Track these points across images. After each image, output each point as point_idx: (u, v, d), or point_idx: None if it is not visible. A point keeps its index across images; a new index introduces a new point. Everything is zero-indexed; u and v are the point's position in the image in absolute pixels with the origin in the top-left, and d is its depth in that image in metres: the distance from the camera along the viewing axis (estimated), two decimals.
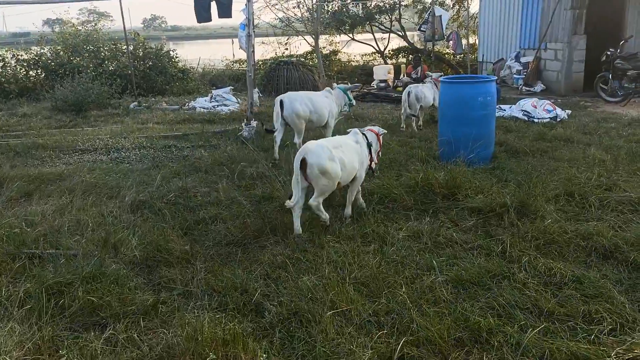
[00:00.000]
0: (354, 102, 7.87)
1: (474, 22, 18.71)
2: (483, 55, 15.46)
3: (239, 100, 11.86)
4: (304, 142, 5.38)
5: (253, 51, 8.14)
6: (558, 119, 8.52)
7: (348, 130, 5.15)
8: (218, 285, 3.66)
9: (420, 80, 11.61)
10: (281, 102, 6.93)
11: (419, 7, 20.41)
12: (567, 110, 9.02)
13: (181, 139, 8.49)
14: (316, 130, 7.70)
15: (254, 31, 10.75)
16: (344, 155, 4.52)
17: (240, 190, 5.66)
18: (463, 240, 4.30)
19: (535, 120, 8.52)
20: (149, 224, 4.77)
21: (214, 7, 8.23)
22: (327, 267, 3.82)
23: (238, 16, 11.37)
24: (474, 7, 18.78)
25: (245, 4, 7.82)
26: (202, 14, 8.29)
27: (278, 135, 7.06)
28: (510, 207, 4.68)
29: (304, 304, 3.31)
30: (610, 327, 3.04)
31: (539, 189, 5.10)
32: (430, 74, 10.56)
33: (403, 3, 20.02)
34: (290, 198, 4.40)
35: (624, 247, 3.97)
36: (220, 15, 8.30)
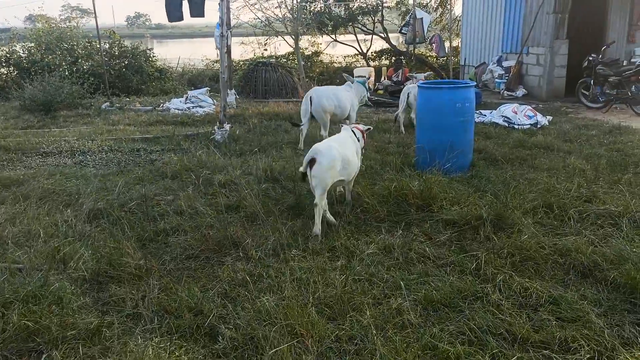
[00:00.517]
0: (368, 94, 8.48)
1: (457, 25, 18.61)
2: (465, 59, 15.33)
3: (215, 101, 11.55)
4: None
5: (227, 52, 7.85)
6: (539, 126, 8.36)
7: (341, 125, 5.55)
8: (171, 306, 3.38)
9: (401, 83, 11.44)
10: (310, 98, 7.47)
11: (402, 9, 20.26)
12: (547, 117, 8.88)
13: (151, 142, 8.17)
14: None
15: (230, 31, 10.48)
16: (348, 152, 4.84)
17: (205, 199, 5.37)
18: (436, 255, 4.07)
19: (516, 126, 8.35)
20: (104, 235, 4.48)
21: (185, 5, 7.92)
22: (290, 286, 3.57)
23: (214, 15, 11.06)
24: (458, 10, 18.67)
25: (219, 3, 7.52)
26: (174, 13, 7.98)
27: (304, 128, 7.60)
28: (487, 220, 4.47)
29: (261, 329, 3.05)
30: (587, 355, 2.83)
31: (516, 201, 4.91)
32: (414, 75, 10.39)
33: (386, 5, 19.85)
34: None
35: (603, 264, 3.77)
36: (193, 14, 8.00)
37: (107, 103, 11.62)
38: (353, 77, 8.72)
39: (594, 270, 3.75)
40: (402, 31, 13.37)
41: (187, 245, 4.31)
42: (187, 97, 11.38)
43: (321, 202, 4.50)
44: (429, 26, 13.60)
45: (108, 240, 4.35)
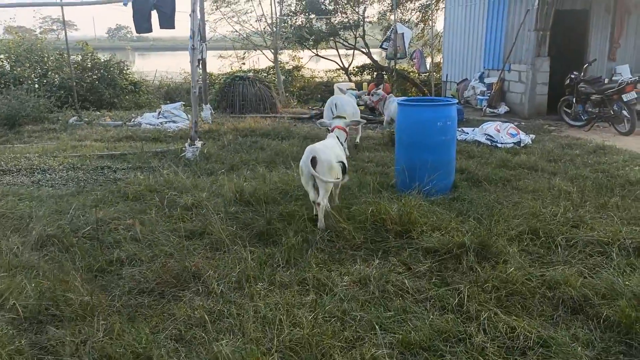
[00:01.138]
0: None
1: (438, 41, 18.54)
2: (447, 75, 15.19)
3: (189, 116, 11.14)
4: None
5: (200, 65, 7.49)
6: (522, 144, 8.13)
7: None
8: (115, 352, 2.98)
9: (375, 102, 11.19)
10: (335, 104, 8.22)
11: (384, 24, 20.15)
12: (530, 135, 8.66)
13: (117, 160, 7.75)
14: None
15: (205, 44, 10.12)
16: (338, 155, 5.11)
17: (169, 223, 4.98)
18: (415, 288, 3.73)
19: (499, 145, 8.11)
20: (52, 266, 4.06)
21: (155, 16, 7.56)
22: (252, 327, 3.20)
23: (183, 27, 10.71)
24: (439, 26, 18.61)
25: (190, 14, 7.18)
26: (142, 24, 7.61)
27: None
28: (469, 249, 4.16)
29: None
30: None
31: (501, 227, 4.61)
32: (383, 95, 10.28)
33: (367, 20, 19.73)
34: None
35: (594, 299, 3.47)
36: (162, 26, 7.64)
37: (75, 117, 11.15)
38: (334, 92, 8.83)
39: (585, 306, 3.45)
40: (383, 46, 13.18)
41: (142, 277, 3.91)
42: (160, 111, 10.96)
43: (324, 201, 4.72)
44: (410, 41, 13.42)
45: (57, 270, 3.94)
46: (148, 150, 8.07)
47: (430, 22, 17.85)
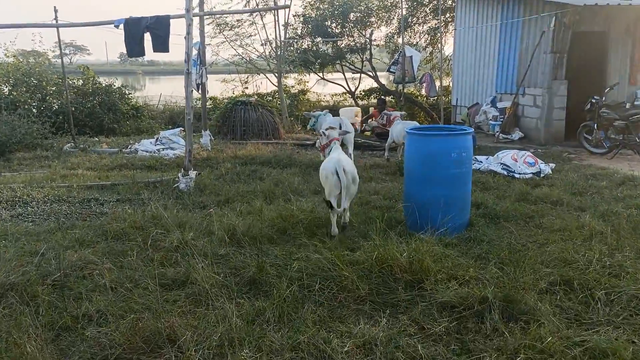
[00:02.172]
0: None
1: (447, 65, 18.09)
2: (457, 99, 14.66)
3: None
4: None
5: (198, 90, 7.02)
6: (542, 175, 7.53)
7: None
8: None
9: (386, 125, 10.70)
10: (340, 124, 8.07)
11: (391, 47, 19.77)
12: (550, 164, 8.05)
13: (107, 191, 7.23)
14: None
15: (205, 68, 9.70)
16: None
17: (150, 268, 4.40)
18: (431, 356, 3.12)
19: (516, 175, 7.52)
20: (9, 322, 3.50)
21: (148, 39, 7.12)
22: None
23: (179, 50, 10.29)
24: (448, 49, 18.19)
25: (185, 37, 6.73)
26: (134, 48, 7.17)
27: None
28: (493, 304, 3.55)
29: None
30: None
31: (528, 276, 3.99)
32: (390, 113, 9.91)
33: (374, 43, 19.35)
34: (331, 207, 5.13)
35: None
36: (156, 49, 7.19)
37: (71, 144, 10.70)
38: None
39: None
40: (391, 70, 12.72)
41: (108, 340, 3.33)
42: (157, 138, 10.49)
43: (347, 205, 5.27)
44: (419, 65, 12.94)
45: (11, 329, 3.38)
46: (140, 181, 7.55)
47: (439, 45, 17.41)
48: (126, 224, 5.45)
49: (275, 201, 6.49)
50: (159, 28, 7.01)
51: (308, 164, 8.94)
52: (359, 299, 3.86)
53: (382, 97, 12.58)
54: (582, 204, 6.13)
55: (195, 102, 16.02)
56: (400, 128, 9.13)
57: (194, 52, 10.01)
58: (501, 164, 7.76)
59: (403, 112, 10.27)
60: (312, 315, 3.61)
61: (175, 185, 7.07)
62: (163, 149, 10.05)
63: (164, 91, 20.44)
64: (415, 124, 8.50)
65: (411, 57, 12.08)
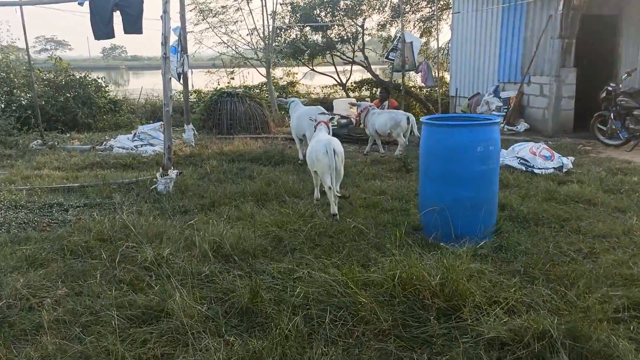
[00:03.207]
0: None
1: (442, 54, 17.30)
2: (457, 90, 13.87)
3: None
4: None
5: (171, 78, 6.14)
6: (564, 170, 6.77)
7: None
8: None
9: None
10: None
11: (383, 35, 18.91)
12: (570, 157, 7.29)
13: (75, 194, 6.33)
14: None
15: (187, 55, 8.81)
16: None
17: (117, 293, 3.55)
18: None
19: (536, 170, 6.75)
20: None
21: (118, 20, 6.21)
22: None
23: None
24: (443, 38, 17.39)
25: (161, 16, 5.84)
26: (101, 29, 6.25)
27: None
28: (556, 341, 2.76)
29: None
30: None
31: (590, 299, 3.20)
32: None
33: (367, 32, 18.49)
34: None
35: None
36: (127, 30, 6.28)
37: (38, 141, 9.72)
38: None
39: None
40: (389, 57, 11.85)
41: None
42: (135, 133, 9.55)
43: (337, 187, 5.17)
44: (418, 51, 12.12)
45: None
46: (112, 182, 6.65)
47: (435, 33, 16.61)
48: (91, 235, 4.58)
49: (268, 204, 5.66)
50: (130, 5, 6.10)
51: (302, 160, 8.10)
52: (380, 333, 3.05)
53: (386, 87, 11.70)
54: (620, 203, 5.36)
55: (179, 95, 15.22)
56: (386, 118, 8.45)
57: (174, 37, 9.11)
58: (518, 158, 6.98)
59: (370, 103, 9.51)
60: (323, 358, 2.79)
61: (153, 187, 6.19)
62: (141, 145, 9.12)
63: (148, 86, 19.41)
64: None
65: (411, 43, 11.22)
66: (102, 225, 4.76)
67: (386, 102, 10.23)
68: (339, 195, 5.11)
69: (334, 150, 5.06)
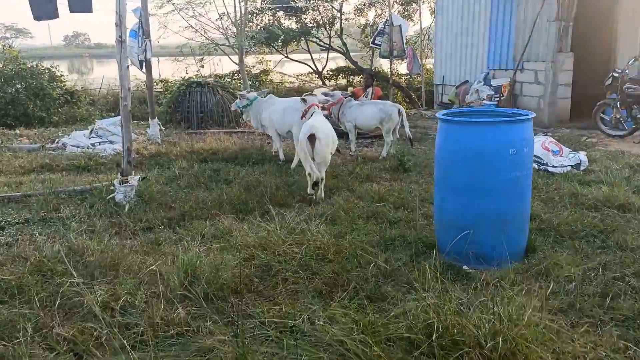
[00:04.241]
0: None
1: (423, 39, 16.50)
2: (444, 77, 13.07)
3: (133, 135, 8.70)
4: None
5: (129, 66, 5.15)
6: (582, 167, 6.05)
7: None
8: None
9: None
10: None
11: (361, 20, 18.01)
12: (581, 152, 6.58)
13: (15, 206, 5.30)
14: None
15: (149, 40, 7.79)
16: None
17: (54, 356, 2.62)
18: None
19: (550, 168, 6.01)
20: None
21: None
22: None
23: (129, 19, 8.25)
24: (424, 23, 16.56)
25: None
26: (41, 7, 5.17)
27: None
28: None
29: None
30: None
31: None
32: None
33: (345, 17, 17.54)
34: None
35: None
36: (73, 9, 5.23)
37: None
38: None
39: None
40: (376, 42, 10.96)
41: None
42: (93, 129, 8.44)
43: (323, 174, 5.15)
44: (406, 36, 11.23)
45: None
46: (62, 189, 5.63)
47: (415, 17, 15.82)
48: (27, 267, 3.60)
49: (249, 216, 4.76)
50: None
51: (286, 158, 7.19)
52: None
53: (371, 72, 10.73)
54: None
55: (143, 85, 14.03)
56: (373, 110, 7.39)
57: (135, 20, 8.05)
58: None
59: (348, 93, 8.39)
60: None
61: (110, 196, 5.21)
62: (99, 143, 8.04)
63: (112, 74, 18.13)
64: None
65: (400, 26, 10.35)
66: (41, 252, 3.79)
67: (370, 90, 9.34)
68: (315, 184, 5.11)
69: (318, 138, 5.01)
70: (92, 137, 8.28)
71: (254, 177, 6.23)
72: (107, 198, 5.23)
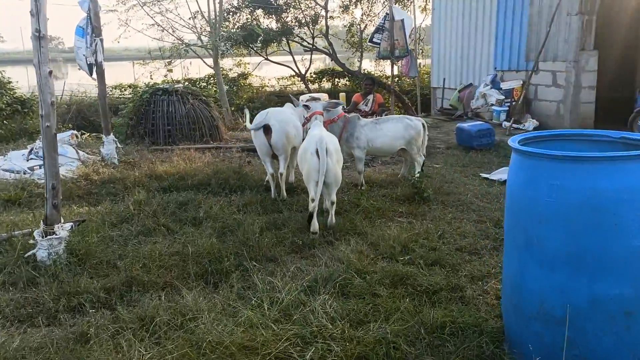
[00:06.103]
0: None
1: (418, 39, 15.24)
2: (444, 80, 11.77)
3: (83, 155, 7.17)
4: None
5: (51, 72, 3.67)
6: None
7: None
8: None
9: (371, 114, 7.69)
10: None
11: (346, 19, 16.66)
12: None
13: None
14: None
15: (101, 39, 6.35)
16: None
17: None
18: None
19: None
20: None
21: None
22: None
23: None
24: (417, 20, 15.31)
25: None
26: None
27: None
28: None
29: None
30: None
31: None
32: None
33: (330, 15, 16.16)
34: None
35: None
36: None
37: None
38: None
39: None
40: (374, 40, 9.62)
41: None
42: (32, 148, 6.89)
43: (334, 197, 4.43)
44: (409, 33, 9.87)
45: None
46: None
47: (408, 13, 14.50)
48: None
49: (224, 284, 3.35)
50: None
51: (267, 182, 5.77)
52: None
53: (371, 78, 9.32)
54: None
55: (112, 89, 12.40)
56: (398, 127, 5.71)
57: (82, 14, 6.57)
58: None
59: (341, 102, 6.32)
60: None
61: (29, 253, 3.73)
62: (39, 167, 6.51)
63: (89, 80, 16.54)
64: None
65: (402, 21, 8.99)
66: None
67: (370, 97, 7.96)
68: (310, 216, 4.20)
69: (326, 151, 4.16)
70: (32, 158, 6.73)
71: (231, 211, 4.82)
72: (26, 256, 3.75)
